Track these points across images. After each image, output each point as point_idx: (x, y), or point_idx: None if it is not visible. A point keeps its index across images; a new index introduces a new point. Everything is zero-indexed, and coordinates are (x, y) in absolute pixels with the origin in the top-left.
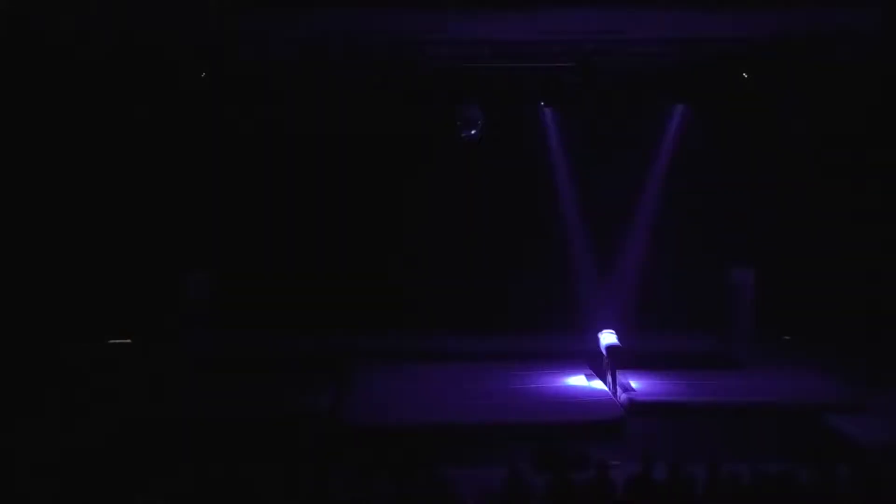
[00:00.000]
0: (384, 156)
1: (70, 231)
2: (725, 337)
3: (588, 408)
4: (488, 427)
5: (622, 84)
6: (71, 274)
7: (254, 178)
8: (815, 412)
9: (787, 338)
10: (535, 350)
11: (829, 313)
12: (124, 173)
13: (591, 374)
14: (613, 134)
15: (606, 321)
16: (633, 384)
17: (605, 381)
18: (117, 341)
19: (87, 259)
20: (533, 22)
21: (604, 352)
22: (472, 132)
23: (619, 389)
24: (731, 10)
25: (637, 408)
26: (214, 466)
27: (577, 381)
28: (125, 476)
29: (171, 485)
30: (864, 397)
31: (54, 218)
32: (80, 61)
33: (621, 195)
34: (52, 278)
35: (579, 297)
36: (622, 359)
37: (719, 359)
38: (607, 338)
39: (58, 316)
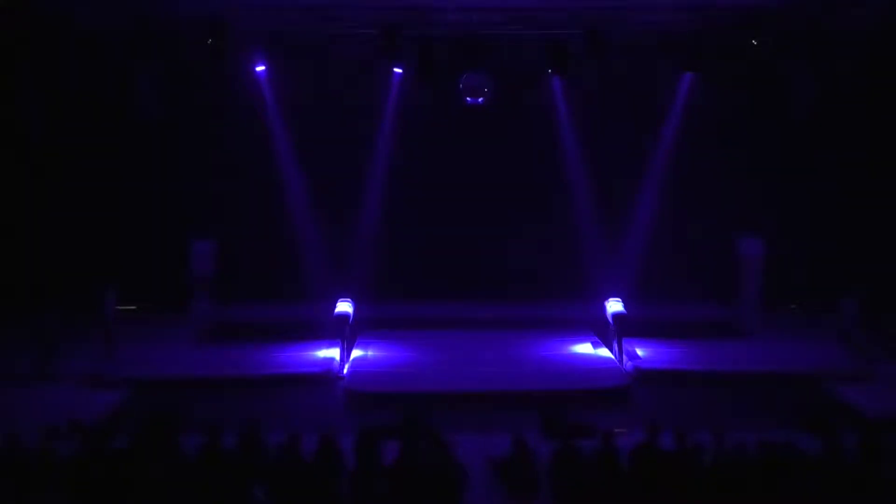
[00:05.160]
0: (390, 122)
1: (79, 202)
2: (733, 306)
3: (594, 375)
4: (494, 394)
5: (630, 52)
6: (79, 241)
7: (255, 149)
8: (821, 381)
9: (794, 307)
10: (541, 318)
11: (837, 283)
12: (128, 148)
13: (598, 342)
14: (621, 102)
15: (613, 289)
16: (640, 352)
17: (611, 349)
18: (123, 308)
19: (95, 228)
20: None
21: (610, 320)
22: (479, 99)
23: (625, 357)
24: None
25: (643, 376)
26: (219, 430)
27: (584, 348)
28: (134, 443)
29: (178, 448)
30: (871, 367)
31: (65, 190)
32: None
33: (629, 164)
34: (60, 246)
35: (586, 266)
36: (628, 327)
37: (727, 327)
38: (614, 306)
39: (67, 283)
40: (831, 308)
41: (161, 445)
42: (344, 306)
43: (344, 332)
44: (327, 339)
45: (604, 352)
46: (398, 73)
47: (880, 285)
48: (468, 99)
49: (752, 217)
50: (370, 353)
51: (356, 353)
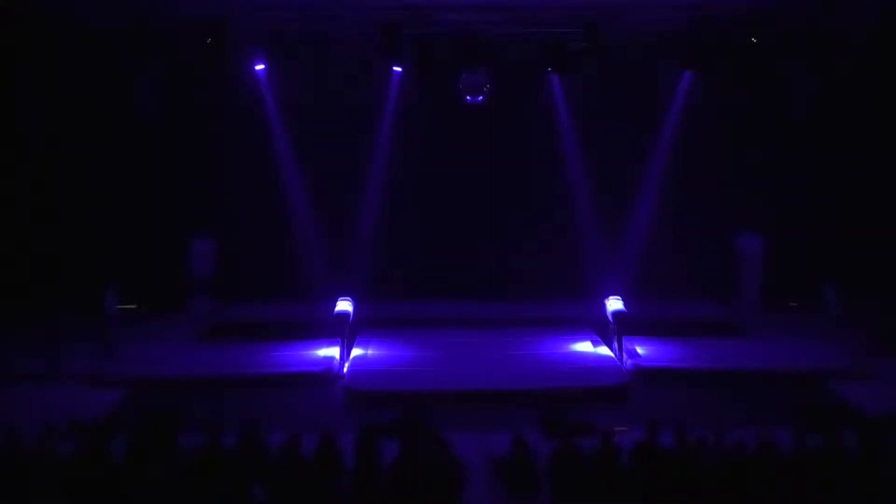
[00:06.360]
0: (390, 122)
1: (79, 201)
2: (732, 304)
3: (594, 374)
4: (494, 393)
5: (629, 51)
6: (79, 241)
7: (255, 149)
8: (820, 379)
9: (793, 305)
10: (541, 317)
11: (836, 280)
12: (128, 148)
13: (598, 341)
14: (620, 100)
15: (613, 288)
16: (640, 350)
17: (611, 348)
18: (123, 307)
19: (95, 228)
20: None
21: (610, 318)
22: (478, 98)
23: (625, 356)
24: None
25: (643, 374)
26: (219, 430)
27: (584, 347)
28: (134, 443)
29: (178, 448)
30: (871, 365)
31: (65, 190)
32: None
33: (628, 161)
34: (60, 246)
35: (586, 264)
36: (628, 325)
37: (726, 326)
38: (614, 304)
39: (67, 283)
40: (826, 305)
41: (161, 445)
42: (344, 305)
43: (344, 331)
44: (327, 338)
45: (604, 350)
46: (398, 73)
47: (881, 284)
48: (468, 98)
49: (751, 216)
50: (370, 351)
51: (356, 351)
